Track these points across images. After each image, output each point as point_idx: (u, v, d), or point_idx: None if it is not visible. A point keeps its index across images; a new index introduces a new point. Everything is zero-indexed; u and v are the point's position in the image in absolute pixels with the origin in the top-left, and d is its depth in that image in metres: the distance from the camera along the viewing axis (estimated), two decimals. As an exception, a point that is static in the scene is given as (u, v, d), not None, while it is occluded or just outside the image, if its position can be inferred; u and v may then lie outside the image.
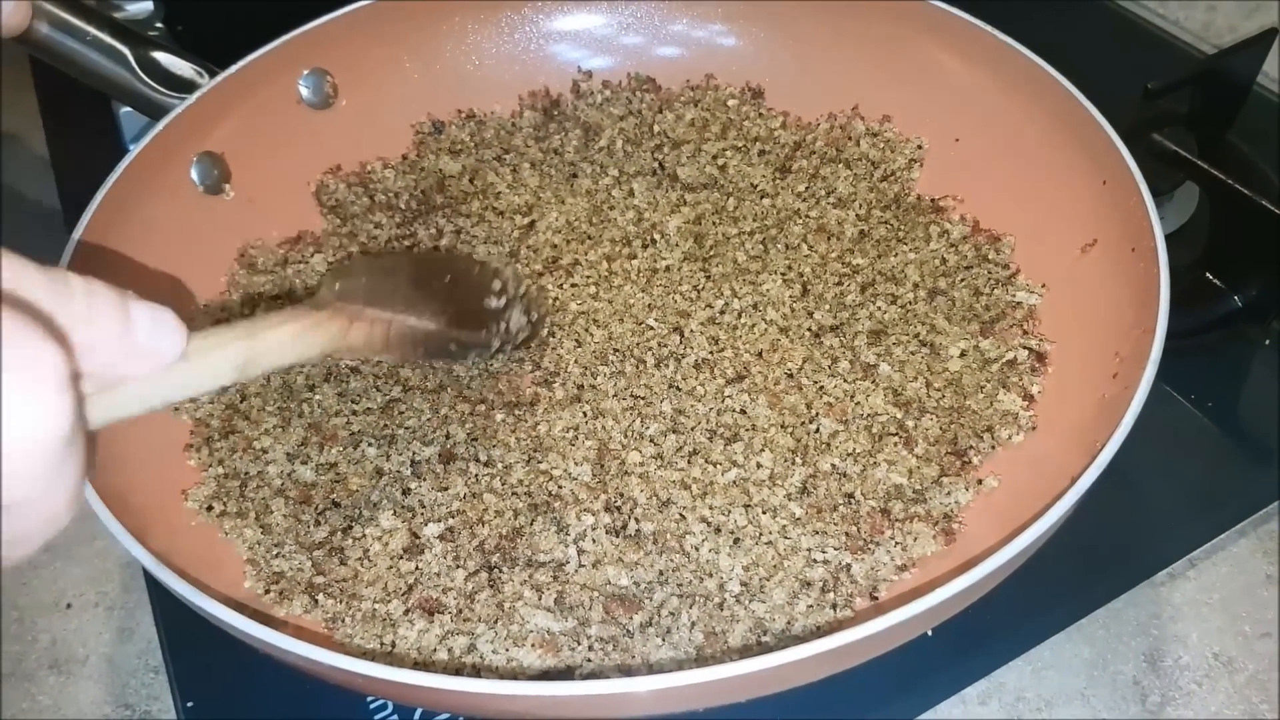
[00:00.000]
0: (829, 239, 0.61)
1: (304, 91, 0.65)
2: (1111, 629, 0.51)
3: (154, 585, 0.53)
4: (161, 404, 0.32)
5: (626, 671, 0.43)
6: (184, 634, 0.51)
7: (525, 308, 0.54)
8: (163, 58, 0.61)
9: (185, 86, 0.61)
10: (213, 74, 0.62)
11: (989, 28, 0.61)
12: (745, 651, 0.44)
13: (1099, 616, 0.51)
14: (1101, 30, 0.88)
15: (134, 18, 0.83)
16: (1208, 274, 0.62)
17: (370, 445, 0.52)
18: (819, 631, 0.44)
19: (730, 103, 0.69)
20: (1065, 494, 0.39)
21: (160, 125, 0.58)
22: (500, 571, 0.47)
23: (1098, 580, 0.52)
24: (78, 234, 0.52)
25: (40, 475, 0.24)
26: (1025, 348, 0.54)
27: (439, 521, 0.49)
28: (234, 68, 0.61)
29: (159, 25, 0.82)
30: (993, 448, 0.51)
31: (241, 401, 0.55)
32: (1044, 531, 0.38)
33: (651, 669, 0.43)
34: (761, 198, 0.64)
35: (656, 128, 0.69)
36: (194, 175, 0.61)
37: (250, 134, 0.63)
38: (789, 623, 0.44)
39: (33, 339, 0.23)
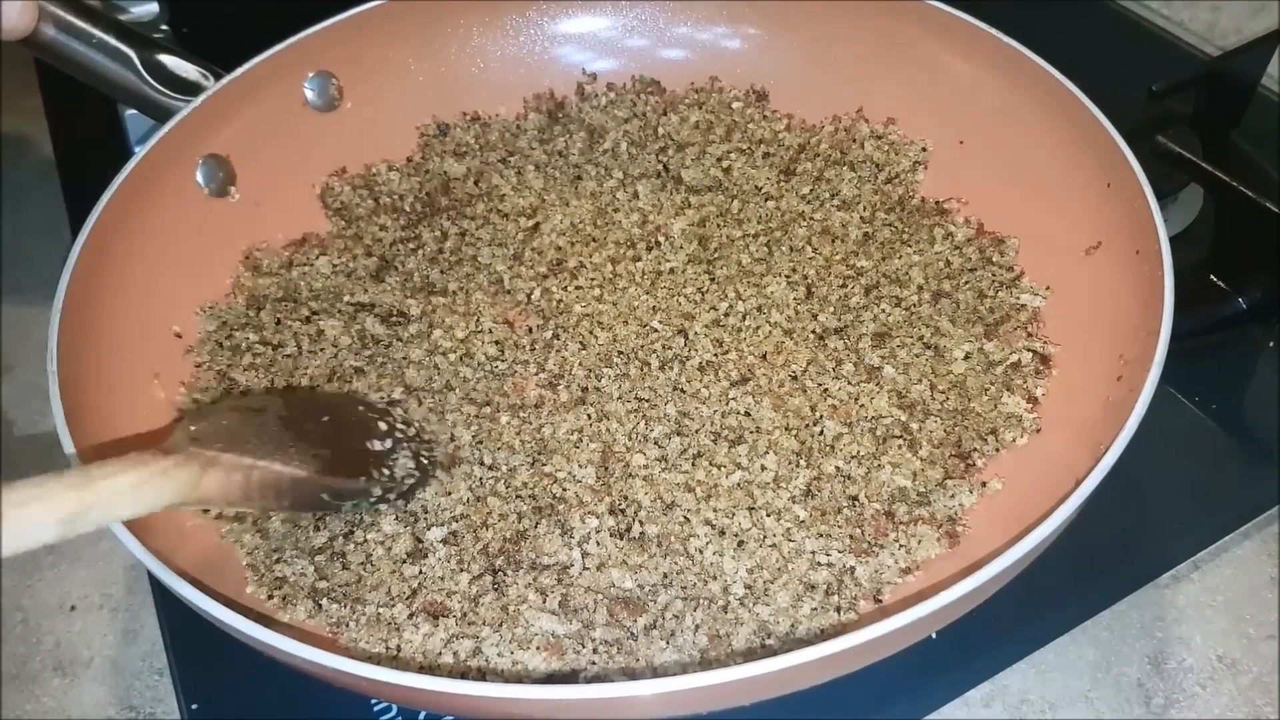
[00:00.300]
0: (833, 241, 0.61)
1: (309, 94, 0.65)
2: (1115, 631, 0.51)
3: (158, 587, 0.53)
4: None
5: (631, 675, 0.43)
6: (188, 636, 0.51)
7: (414, 451, 0.49)
8: (168, 60, 0.61)
9: (190, 89, 0.61)
10: (218, 76, 0.62)
11: (993, 30, 0.61)
12: (749, 655, 0.44)
13: (1103, 619, 0.51)
14: (1106, 31, 0.88)
15: (139, 19, 0.83)
16: (1212, 276, 0.62)
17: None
18: (823, 635, 0.44)
19: (735, 105, 0.69)
20: (1069, 497, 0.39)
21: (165, 128, 0.58)
22: (504, 575, 0.47)
23: (1101, 582, 0.52)
24: (82, 237, 0.52)
25: None
26: (1029, 350, 0.54)
27: (442, 525, 0.49)
28: (239, 70, 0.61)
29: (164, 27, 0.82)
30: (997, 450, 0.51)
31: (246, 404, 0.55)
32: (1048, 535, 0.38)
33: (656, 672, 0.43)
34: (766, 200, 0.64)
35: (661, 130, 0.69)
36: (199, 178, 0.61)
37: (255, 136, 0.63)
38: (793, 626, 0.44)
39: None
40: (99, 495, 0.35)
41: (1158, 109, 0.69)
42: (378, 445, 0.47)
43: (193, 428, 0.40)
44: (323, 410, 0.48)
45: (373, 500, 0.47)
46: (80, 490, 0.34)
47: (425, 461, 0.50)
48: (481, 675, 0.43)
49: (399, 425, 0.49)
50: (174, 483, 0.38)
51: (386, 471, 0.47)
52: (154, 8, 0.83)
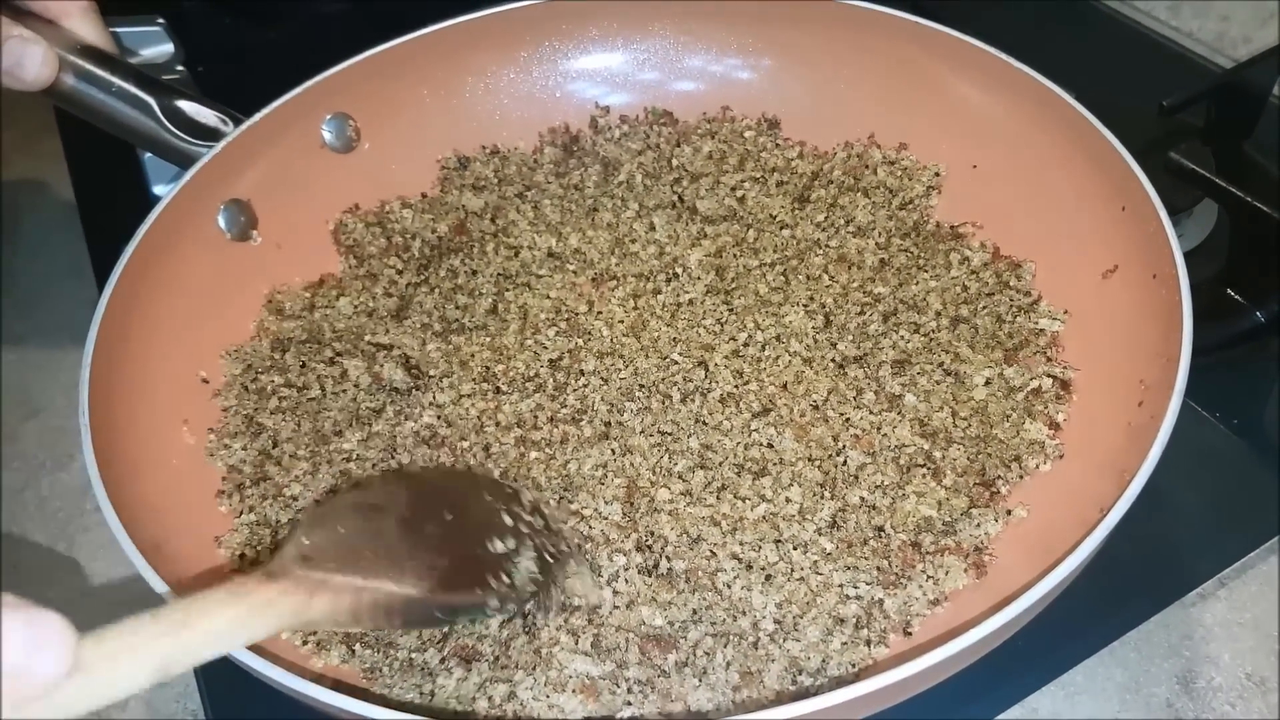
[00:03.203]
0: (849, 268, 0.61)
1: (327, 136, 0.66)
2: (1143, 651, 0.51)
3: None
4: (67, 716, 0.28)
5: (668, 717, 0.43)
6: (222, 678, 0.51)
7: (538, 548, 0.44)
8: (186, 106, 0.62)
9: (209, 134, 0.61)
10: (236, 120, 0.62)
11: (1003, 54, 0.61)
12: (781, 693, 0.44)
13: (1130, 639, 0.51)
14: (1115, 44, 0.88)
15: (154, 61, 0.84)
16: (1229, 290, 0.62)
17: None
18: (854, 669, 0.45)
19: (747, 134, 0.70)
20: (1096, 528, 0.39)
21: (187, 176, 0.59)
22: (535, 616, 0.47)
23: (1128, 602, 0.52)
24: (109, 289, 0.53)
25: None
26: (1049, 375, 0.54)
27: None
28: (257, 115, 0.62)
29: (180, 68, 0.83)
30: (1021, 477, 0.51)
31: (274, 448, 0.55)
32: (1076, 567, 0.38)
33: (691, 713, 0.43)
34: (781, 228, 0.64)
35: (675, 161, 0.69)
36: (221, 223, 0.61)
37: (275, 180, 0.63)
38: (824, 661, 0.45)
39: None
40: (197, 637, 0.32)
41: (1169, 123, 0.69)
42: (500, 547, 0.43)
43: (306, 541, 0.37)
44: (447, 504, 0.44)
45: (489, 614, 0.43)
46: (176, 636, 0.31)
47: (549, 560, 0.45)
48: (519, 721, 0.43)
49: (525, 517, 0.46)
50: (278, 614, 0.35)
51: (506, 579, 0.42)
52: (169, 48, 0.83)
